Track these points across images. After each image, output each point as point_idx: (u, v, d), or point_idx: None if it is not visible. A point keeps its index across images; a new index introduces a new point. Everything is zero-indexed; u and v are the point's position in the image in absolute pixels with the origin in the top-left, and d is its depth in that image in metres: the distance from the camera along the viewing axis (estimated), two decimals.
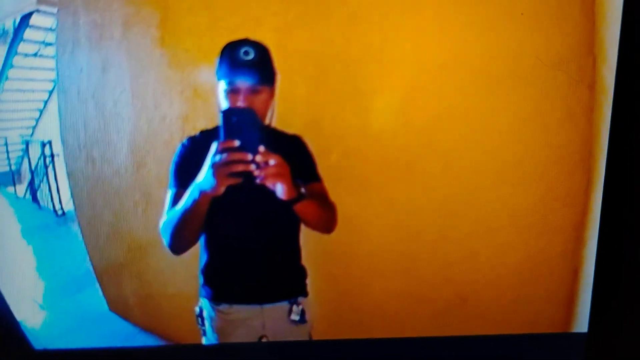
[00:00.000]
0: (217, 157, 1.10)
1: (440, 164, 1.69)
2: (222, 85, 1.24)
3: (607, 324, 1.46)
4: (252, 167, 1.09)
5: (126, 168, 2.28)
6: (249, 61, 1.18)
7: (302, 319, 1.41)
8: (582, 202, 1.63)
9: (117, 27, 2.12)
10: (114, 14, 2.12)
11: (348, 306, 1.87)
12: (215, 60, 1.32)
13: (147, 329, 2.40)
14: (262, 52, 1.22)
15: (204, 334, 1.42)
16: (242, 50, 1.18)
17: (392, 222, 1.76)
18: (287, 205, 1.28)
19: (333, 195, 1.48)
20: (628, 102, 1.33)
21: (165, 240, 1.27)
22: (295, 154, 1.37)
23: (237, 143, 1.08)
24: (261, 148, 1.10)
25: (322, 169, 1.49)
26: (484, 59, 1.59)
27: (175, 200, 1.31)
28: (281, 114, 1.40)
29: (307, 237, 1.49)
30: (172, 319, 2.24)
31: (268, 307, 1.36)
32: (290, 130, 1.45)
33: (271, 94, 1.28)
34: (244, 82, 1.20)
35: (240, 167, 1.09)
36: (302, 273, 1.47)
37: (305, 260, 1.49)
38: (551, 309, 1.71)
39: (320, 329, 1.58)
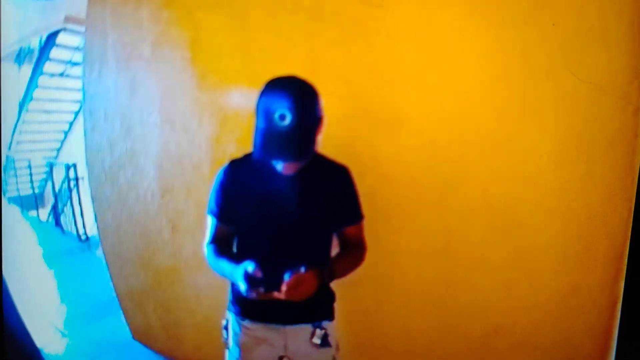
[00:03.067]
0: (247, 286, 1.15)
1: (477, 191, 1.63)
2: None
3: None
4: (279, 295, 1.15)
5: (152, 193, 2.24)
6: (284, 129, 1.12)
7: (325, 343, 1.38)
8: (623, 232, 1.56)
9: (146, 46, 2.05)
10: (143, 33, 2.06)
11: (379, 334, 1.82)
12: (246, 83, 1.27)
13: (172, 359, 2.37)
14: (301, 112, 1.13)
15: (228, 347, 1.43)
16: (278, 113, 1.11)
17: (427, 250, 1.70)
18: (317, 228, 1.32)
19: (366, 220, 1.43)
20: None
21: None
22: (339, 188, 1.36)
23: (260, 274, 1.14)
24: (284, 287, 1.14)
25: None
26: (525, 80, 1.53)
27: (216, 233, 1.34)
28: None
29: None
30: (198, 349, 2.19)
31: (290, 328, 1.36)
32: (323, 152, 1.37)
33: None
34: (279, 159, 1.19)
35: (266, 298, 1.15)
36: (329, 296, 1.43)
37: (335, 285, 1.42)
38: (589, 343, 1.64)
39: (350, 356, 1.53)
